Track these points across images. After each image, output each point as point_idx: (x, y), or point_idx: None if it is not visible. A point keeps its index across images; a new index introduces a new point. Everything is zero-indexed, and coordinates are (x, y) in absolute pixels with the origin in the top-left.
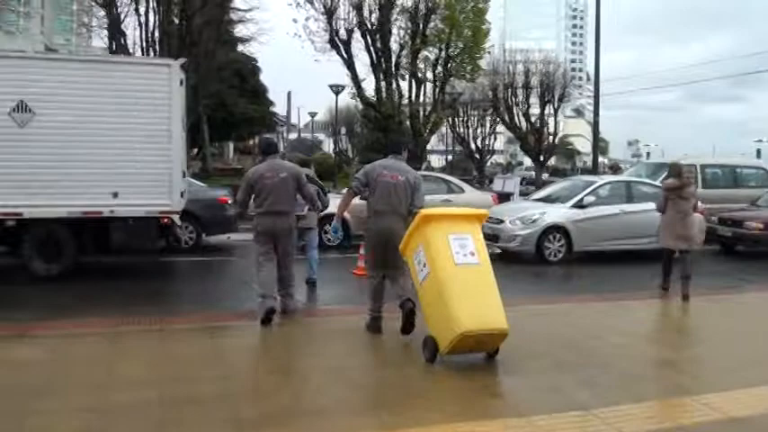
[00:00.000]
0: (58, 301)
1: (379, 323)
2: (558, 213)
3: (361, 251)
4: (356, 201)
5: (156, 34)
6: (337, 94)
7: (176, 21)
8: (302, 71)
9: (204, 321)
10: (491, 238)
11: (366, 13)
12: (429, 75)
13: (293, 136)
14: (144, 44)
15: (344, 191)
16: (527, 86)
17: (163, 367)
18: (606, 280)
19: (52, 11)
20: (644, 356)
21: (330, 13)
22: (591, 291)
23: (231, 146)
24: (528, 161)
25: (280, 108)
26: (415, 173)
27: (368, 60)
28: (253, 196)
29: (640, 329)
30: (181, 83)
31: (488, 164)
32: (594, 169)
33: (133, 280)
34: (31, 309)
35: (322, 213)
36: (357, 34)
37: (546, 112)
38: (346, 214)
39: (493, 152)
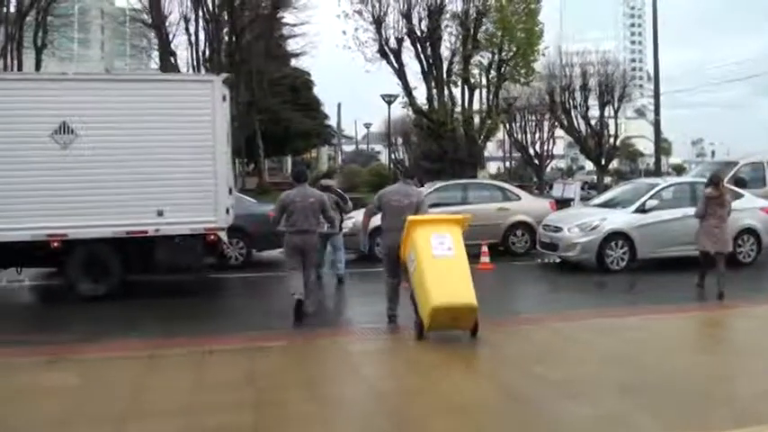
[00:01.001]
0: (102, 322)
1: (395, 321)
2: (619, 219)
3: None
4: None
5: (207, 53)
6: (389, 103)
7: (226, 38)
8: (355, 83)
9: (245, 342)
10: (549, 246)
11: (415, 21)
12: (482, 80)
13: (349, 148)
14: (194, 62)
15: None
16: (585, 88)
17: (194, 394)
18: (671, 289)
19: (113, 37)
20: (711, 376)
21: (379, 22)
22: (654, 301)
23: (289, 160)
24: (589, 165)
25: (334, 121)
26: (418, 193)
27: (419, 68)
28: (285, 216)
29: (705, 345)
30: (224, 98)
31: (548, 169)
32: (657, 171)
33: (179, 298)
34: (74, 330)
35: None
36: (407, 42)
37: (605, 113)
38: None
39: (552, 157)
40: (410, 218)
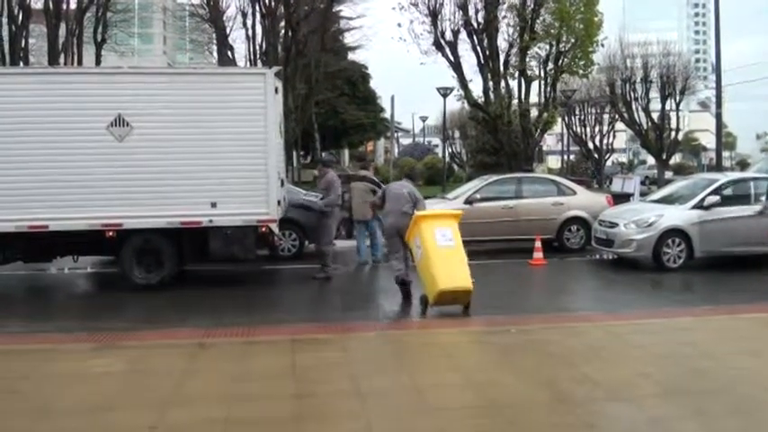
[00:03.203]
0: (154, 311)
1: (409, 280)
2: (676, 215)
3: None
4: (461, 207)
5: (263, 46)
6: (445, 96)
7: (282, 32)
8: (410, 75)
9: (290, 334)
10: (604, 243)
11: (472, 12)
12: (540, 72)
13: (407, 141)
14: (251, 56)
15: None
16: (646, 80)
17: (236, 383)
18: (729, 289)
19: (173, 32)
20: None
21: (435, 14)
22: (711, 302)
23: (347, 153)
24: (651, 159)
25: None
26: (410, 187)
27: (474, 60)
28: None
29: (762, 349)
30: (276, 91)
31: (609, 163)
32: (719, 166)
33: (231, 289)
34: (126, 317)
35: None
36: (463, 34)
37: (667, 106)
38: None
39: (612, 151)
40: (417, 213)
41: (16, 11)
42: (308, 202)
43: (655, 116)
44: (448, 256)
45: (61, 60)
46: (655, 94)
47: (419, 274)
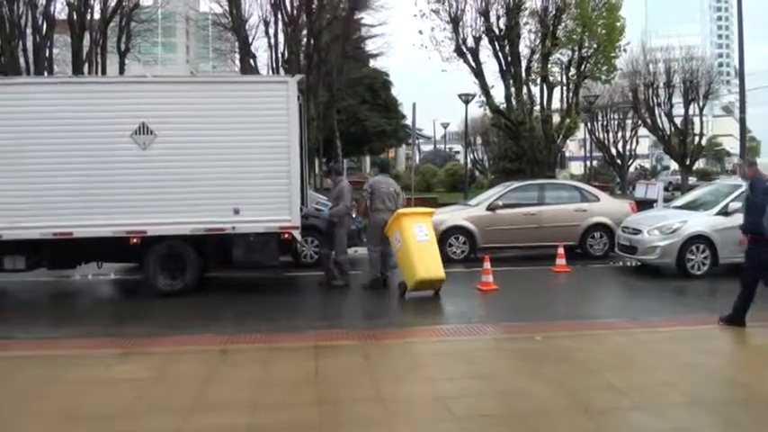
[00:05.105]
0: (177, 317)
1: (380, 283)
2: (700, 222)
3: (486, 265)
4: (483, 213)
5: (285, 54)
6: (467, 103)
7: (304, 40)
8: (431, 82)
9: (312, 340)
10: (628, 249)
11: (493, 19)
12: (562, 78)
13: (428, 148)
14: (273, 64)
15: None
16: (669, 85)
17: (259, 390)
18: (756, 296)
19: (196, 41)
20: None
21: (456, 21)
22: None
23: (368, 159)
24: (674, 165)
25: (410, 120)
26: (394, 184)
27: (496, 67)
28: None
29: None
30: (299, 98)
31: (632, 169)
32: None
33: (253, 295)
34: (150, 324)
35: None
36: (484, 41)
37: (690, 111)
38: (473, 227)
39: (635, 157)
40: (398, 211)
41: (40, 21)
42: (316, 211)
43: (678, 121)
44: (424, 249)
45: (85, 70)
46: (678, 98)
47: (399, 263)
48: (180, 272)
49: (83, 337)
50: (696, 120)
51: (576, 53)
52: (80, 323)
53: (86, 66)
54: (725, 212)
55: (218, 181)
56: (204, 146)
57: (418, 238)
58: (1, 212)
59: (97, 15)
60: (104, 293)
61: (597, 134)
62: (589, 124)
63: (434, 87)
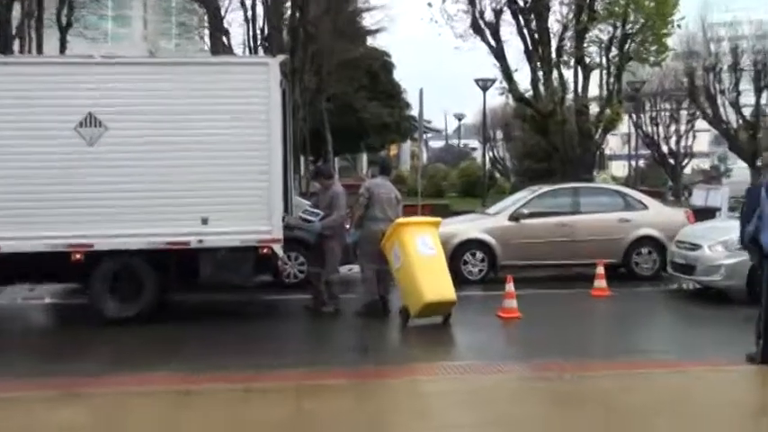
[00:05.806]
0: (129, 350)
1: (378, 308)
2: None
3: (509, 287)
4: (505, 224)
5: (265, 31)
6: (485, 90)
7: (287, 13)
8: (443, 65)
9: (294, 379)
10: (684, 269)
11: None
12: (601, 60)
13: (438, 143)
14: (251, 43)
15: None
16: (736, 69)
17: None
18: None
19: (156, 14)
20: None
21: None
22: None
23: (365, 158)
24: (742, 165)
25: (416, 111)
26: (394, 189)
27: (521, 46)
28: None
29: None
30: (281, 84)
31: (688, 170)
32: None
33: (224, 324)
34: (95, 359)
35: None
36: (507, 15)
37: (763, 100)
38: (493, 240)
39: (692, 155)
40: (397, 221)
41: None
42: (303, 223)
43: (746, 112)
44: (430, 264)
45: (15, 47)
46: (746, 85)
47: (399, 284)
48: (134, 294)
49: (10, 376)
50: None
51: (619, 29)
52: (6, 359)
53: (17, 42)
54: None
55: (182, 184)
56: (165, 141)
57: (422, 251)
58: None
59: None
60: (38, 322)
61: (644, 128)
62: (634, 116)
63: (446, 71)
